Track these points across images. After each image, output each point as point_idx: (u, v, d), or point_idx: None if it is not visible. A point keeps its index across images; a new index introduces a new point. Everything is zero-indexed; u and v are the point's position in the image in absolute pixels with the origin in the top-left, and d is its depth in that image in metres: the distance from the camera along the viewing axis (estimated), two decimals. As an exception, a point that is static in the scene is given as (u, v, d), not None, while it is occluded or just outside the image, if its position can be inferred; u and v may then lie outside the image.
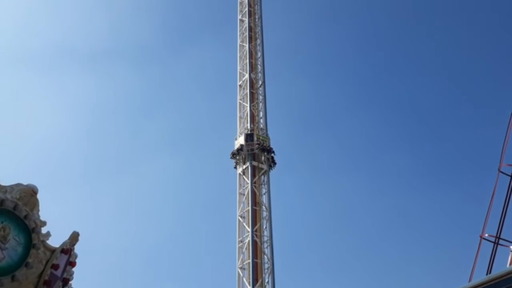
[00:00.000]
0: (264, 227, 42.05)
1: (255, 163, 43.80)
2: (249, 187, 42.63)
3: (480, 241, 23.80)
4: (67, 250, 10.93)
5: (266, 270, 40.18)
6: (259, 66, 50.08)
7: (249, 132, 45.48)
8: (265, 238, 41.60)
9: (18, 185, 10.19)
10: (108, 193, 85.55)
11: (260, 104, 48.00)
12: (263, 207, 42.92)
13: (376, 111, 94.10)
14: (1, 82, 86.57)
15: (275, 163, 45.39)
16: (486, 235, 23.91)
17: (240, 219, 42.14)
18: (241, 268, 40.21)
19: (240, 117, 47.05)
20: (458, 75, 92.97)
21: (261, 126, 46.86)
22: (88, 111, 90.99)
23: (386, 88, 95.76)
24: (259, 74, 49.60)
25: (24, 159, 72.48)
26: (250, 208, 41.76)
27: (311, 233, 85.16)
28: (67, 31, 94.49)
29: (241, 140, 44.97)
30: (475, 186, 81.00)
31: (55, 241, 11.01)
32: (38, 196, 10.52)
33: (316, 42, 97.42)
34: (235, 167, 45.02)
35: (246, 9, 52.69)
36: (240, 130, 46.28)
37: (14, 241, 9.88)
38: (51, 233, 10.76)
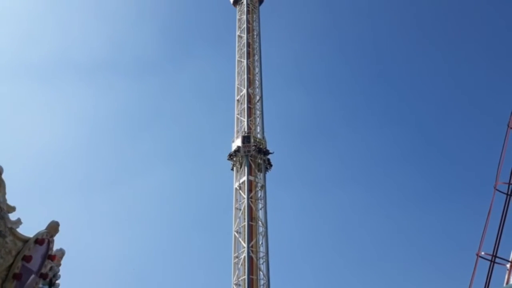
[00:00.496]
0: (260, 242, 41.86)
1: (251, 178, 43.73)
2: (246, 202, 42.49)
3: (477, 259, 23.62)
4: (42, 240, 9.06)
5: (261, 287, 39.88)
6: (257, 81, 50.29)
7: (246, 134, 45.58)
8: (261, 254, 41.38)
9: None
10: (103, 204, 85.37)
11: (258, 119, 48.09)
12: (260, 222, 42.76)
13: (375, 125, 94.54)
14: (2, 91, 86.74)
15: (271, 165, 45.42)
16: (483, 253, 23.73)
17: (236, 234, 41.93)
18: (236, 284, 39.92)
19: (238, 131, 47.11)
20: (458, 90, 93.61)
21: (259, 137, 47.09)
22: (87, 121, 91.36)
23: (385, 103, 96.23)
24: (257, 89, 49.77)
25: (22, 168, 72.35)
26: (246, 223, 41.61)
27: (307, 249, 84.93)
28: (69, 42, 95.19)
29: (238, 142, 45.12)
30: (473, 203, 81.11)
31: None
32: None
33: (314, 56, 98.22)
34: (232, 169, 45.03)
35: (245, 25, 53.04)
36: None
37: None
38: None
